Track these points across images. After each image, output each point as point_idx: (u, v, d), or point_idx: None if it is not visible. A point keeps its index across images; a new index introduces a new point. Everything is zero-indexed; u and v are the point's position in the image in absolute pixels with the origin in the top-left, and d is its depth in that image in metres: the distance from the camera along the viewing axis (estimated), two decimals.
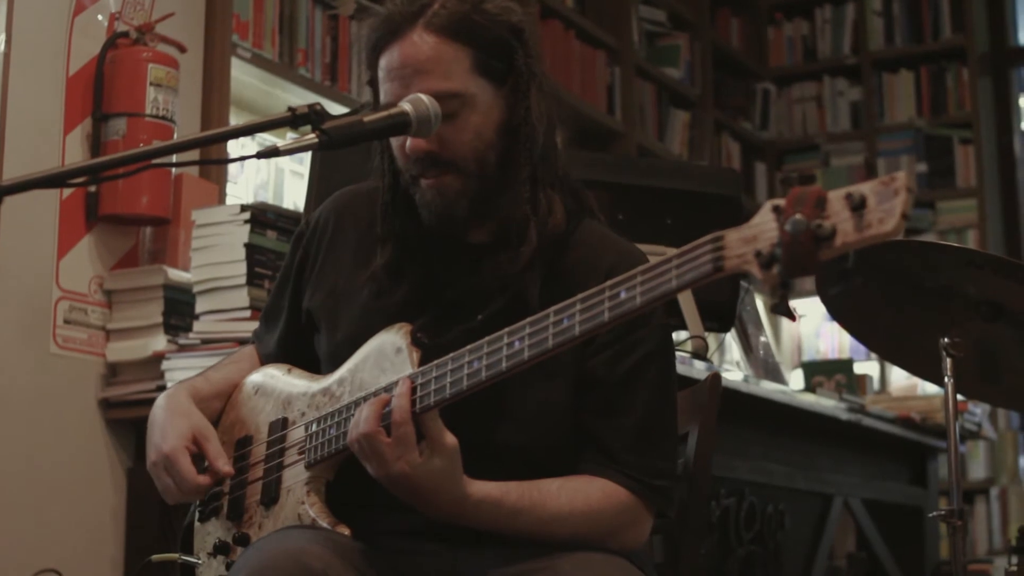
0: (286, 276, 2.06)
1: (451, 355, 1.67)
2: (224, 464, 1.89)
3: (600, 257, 1.87)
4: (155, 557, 2.08)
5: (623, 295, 1.52)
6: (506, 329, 1.63)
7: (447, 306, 1.84)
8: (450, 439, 1.68)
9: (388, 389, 1.73)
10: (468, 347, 1.66)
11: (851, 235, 1.34)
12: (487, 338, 1.64)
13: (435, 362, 1.68)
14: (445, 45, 1.80)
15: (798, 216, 1.36)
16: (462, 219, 1.85)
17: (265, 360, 2.05)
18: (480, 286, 1.83)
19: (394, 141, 1.87)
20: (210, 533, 1.94)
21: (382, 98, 1.84)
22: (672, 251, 1.48)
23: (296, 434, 1.87)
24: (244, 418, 1.97)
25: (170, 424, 1.91)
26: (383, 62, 1.84)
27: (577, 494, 1.77)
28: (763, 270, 1.39)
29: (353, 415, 1.76)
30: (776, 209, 1.39)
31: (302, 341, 2.01)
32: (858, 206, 1.34)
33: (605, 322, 1.54)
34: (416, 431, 1.68)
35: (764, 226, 1.40)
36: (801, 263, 1.37)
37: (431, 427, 1.68)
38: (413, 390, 1.68)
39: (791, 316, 1.44)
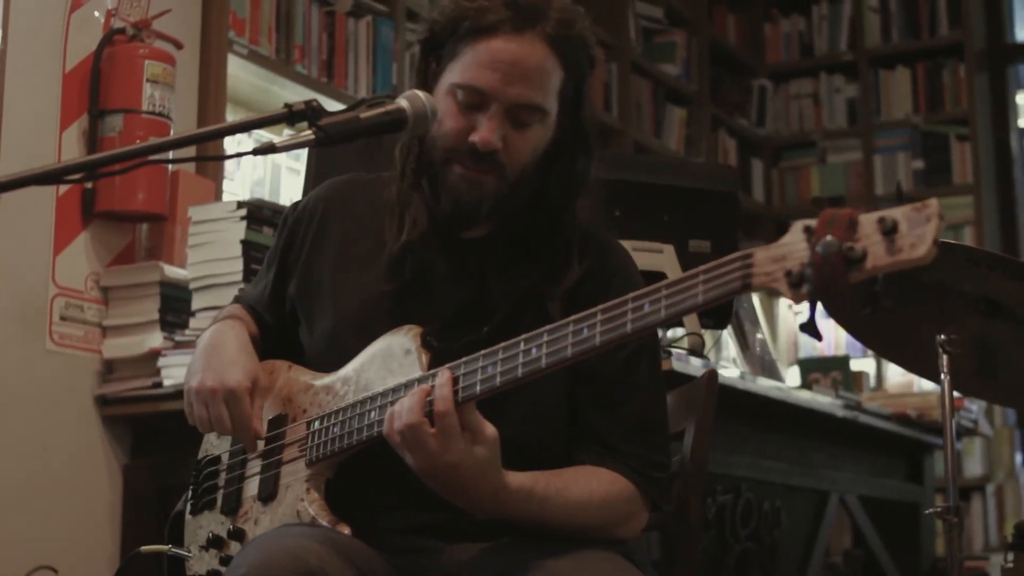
0: (272, 258, 2.05)
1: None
2: (258, 423, 1.88)
3: (606, 259, 1.91)
4: (144, 548, 2.06)
5: (647, 307, 1.52)
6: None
7: (456, 309, 1.84)
8: (490, 428, 1.67)
9: (396, 390, 1.72)
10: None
11: (882, 259, 1.35)
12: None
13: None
14: (552, 60, 1.83)
15: (829, 238, 1.37)
16: (478, 216, 1.86)
17: (255, 308, 2.03)
18: (488, 288, 1.85)
19: (450, 120, 1.84)
20: (202, 527, 1.93)
21: (463, 76, 1.83)
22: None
23: (297, 431, 1.86)
24: None
25: (239, 359, 1.89)
26: (491, 45, 1.82)
27: (591, 481, 1.79)
28: (792, 289, 1.40)
29: (359, 414, 1.76)
30: (807, 230, 1.40)
31: (284, 323, 2.00)
32: (890, 231, 1.35)
33: (628, 333, 1.54)
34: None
35: (794, 246, 1.41)
36: (831, 284, 1.37)
37: (472, 418, 1.66)
38: (455, 380, 1.67)
39: (818, 336, 1.45)
